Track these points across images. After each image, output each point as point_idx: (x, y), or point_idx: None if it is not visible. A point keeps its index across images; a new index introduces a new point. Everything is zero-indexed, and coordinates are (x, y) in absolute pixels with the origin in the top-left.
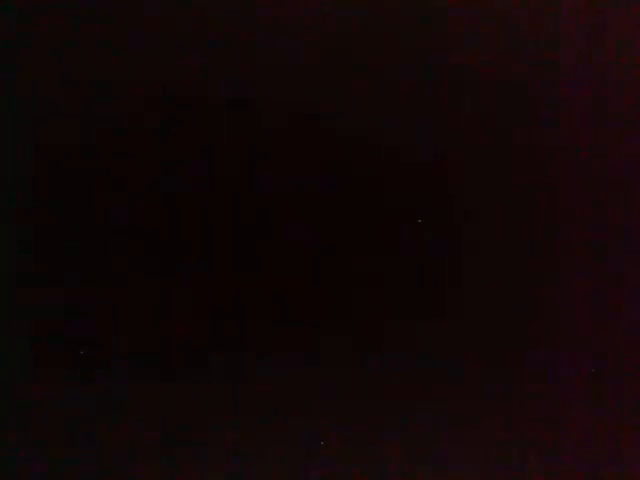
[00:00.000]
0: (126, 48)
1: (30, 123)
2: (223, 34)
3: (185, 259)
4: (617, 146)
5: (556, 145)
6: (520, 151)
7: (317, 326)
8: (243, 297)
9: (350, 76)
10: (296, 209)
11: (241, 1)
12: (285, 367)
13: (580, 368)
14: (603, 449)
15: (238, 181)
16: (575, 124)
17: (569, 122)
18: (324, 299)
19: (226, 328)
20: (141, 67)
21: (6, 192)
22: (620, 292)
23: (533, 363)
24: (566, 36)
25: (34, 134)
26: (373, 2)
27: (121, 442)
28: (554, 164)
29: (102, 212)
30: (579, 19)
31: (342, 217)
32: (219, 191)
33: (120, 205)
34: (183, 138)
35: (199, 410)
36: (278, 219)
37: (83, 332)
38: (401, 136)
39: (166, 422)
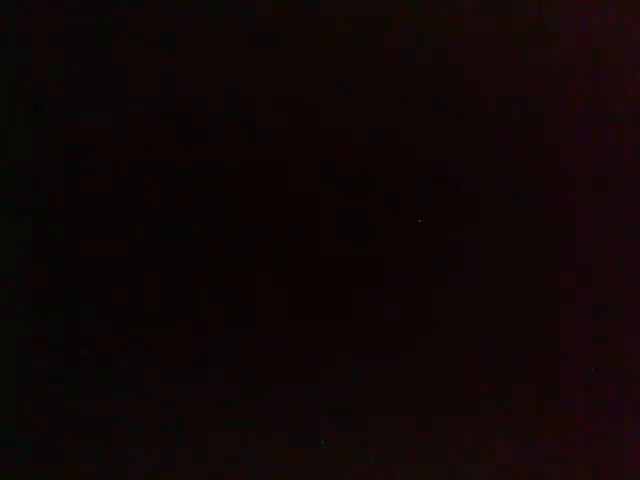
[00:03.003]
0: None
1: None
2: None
3: (189, 258)
4: (617, 147)
5: (557, 145)
6: (521, 152)
7: (316, 326)
8: (242, 296)
9: (349, 79)
10: (296, 209)
11: None
12: (285, 366)
13: (580, 368)
14: (603, 449)
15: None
16: (575, 125)
17: (570, 122)
18: (323, 298)
19: (224, 327)
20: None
21: (6, 191)
22: (620, 293)
23: (533, 363)
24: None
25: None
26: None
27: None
28: (555, 164)
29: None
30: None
31: (341, 217)
32: (216, 193)
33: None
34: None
35: (198, 409)
36: (276, 219)
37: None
38: (400, 136)
39: (165, 421)
